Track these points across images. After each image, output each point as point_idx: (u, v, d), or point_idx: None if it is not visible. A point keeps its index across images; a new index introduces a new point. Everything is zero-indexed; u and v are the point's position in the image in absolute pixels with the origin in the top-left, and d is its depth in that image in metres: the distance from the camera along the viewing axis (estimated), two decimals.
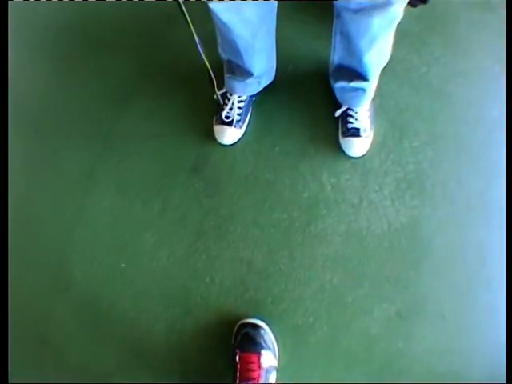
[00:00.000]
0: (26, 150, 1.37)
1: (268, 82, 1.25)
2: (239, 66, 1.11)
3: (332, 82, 1.21)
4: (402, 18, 0.83)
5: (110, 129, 1.32)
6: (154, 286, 1.16)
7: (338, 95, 1.21)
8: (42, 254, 1.24)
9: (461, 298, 1.09)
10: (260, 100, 1.28)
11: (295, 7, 1.38)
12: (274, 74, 1.25)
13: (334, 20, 1.03)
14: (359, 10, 0.86)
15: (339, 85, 1.17)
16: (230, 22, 0.90)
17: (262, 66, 1.15)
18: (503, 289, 0.99)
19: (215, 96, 1.22)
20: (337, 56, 1.12)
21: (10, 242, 1.10)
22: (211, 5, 0.82)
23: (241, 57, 1.05)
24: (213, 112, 1.26)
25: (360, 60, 1.01)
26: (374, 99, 1.20)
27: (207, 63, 0.95)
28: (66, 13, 1.56)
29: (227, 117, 1.21)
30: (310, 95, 1.27)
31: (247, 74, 1.13)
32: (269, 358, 1.00)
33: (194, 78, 1.31)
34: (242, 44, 1.00)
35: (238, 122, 1.21)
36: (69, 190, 1.29)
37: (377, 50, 0.99)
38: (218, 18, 0.88)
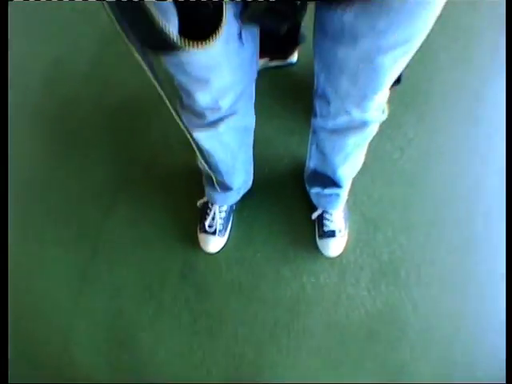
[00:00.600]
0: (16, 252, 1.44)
1: (247, 190, 1.30)
2: (219, 180, 1.16)
3: (307, 187, 1.26)
4: None
5: (97, 234, 1.37)
6: (156, 376, 1.29)
7: (314, 199, 1.27)
8: (42, 351, 1.35)
9: (445, 369, 1.22)
10: (240, 207, 1.34)
11: (268, 102, 1.40)
12: (251, 181, 1.30)
13: (311, 134, 1.07)
14: (335, 131, 0.91)
15: (314, 190, 1.23)
16: (212, 148, 0.93)
17: (241, 179, 1.20)
18: None
19: (198, 204, 1.28)
20: (312, 163, 1.17)
21: None
22: (195, 134, 0.83)
23: (221, 175, 1.10)
24: (196, 216, 1.33)
25: (334, 171, 1.08)
26: (347, 199, 1.26)
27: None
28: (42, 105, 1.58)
29: (210, 226, 1.28)
30: (288, 198, 1.33)
31: (227, 188, 1.19)
32: None
33: (175, 180, 1.36)
34: (222, 167, 1.05)
35: (220, 231, 1.28)
36: (62, 292, 1.37)
37: (351, 163, 1.05)
38: (200, 145, 0.90)
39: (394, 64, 0.64)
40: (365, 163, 1.09)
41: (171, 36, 0.40)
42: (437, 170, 1.38)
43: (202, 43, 0.44)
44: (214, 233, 1.28)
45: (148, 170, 1.42)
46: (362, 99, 0.75)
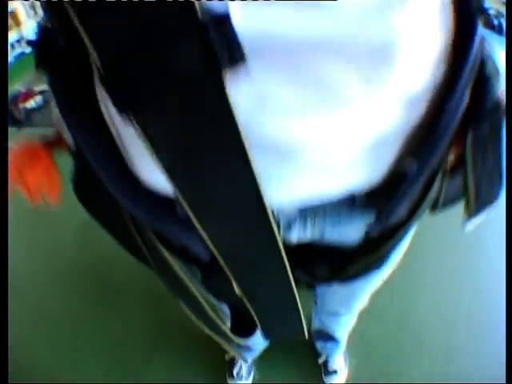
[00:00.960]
0: None
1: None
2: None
3: (313, 339, 1.59)
4: None
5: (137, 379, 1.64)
6: None
7: (318, 349, 1.60)
8: None
9: None
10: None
11: None
12: None
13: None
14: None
15: (317, 343, 1.57)
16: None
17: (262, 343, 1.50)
18: None
19: (226, 357, 1.60)
20: (314, 324, 1.49)
21: None
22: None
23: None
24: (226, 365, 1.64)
25: (333, 333, 1.42)
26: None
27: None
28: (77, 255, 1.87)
29: (237, 373, 1.59)
30: (300, 344, 1.65)
31: (250, 351, 1.48)
32: None
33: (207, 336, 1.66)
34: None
35: (245, 377, 1.60)
36: None
37: (346, 326, 1.37)
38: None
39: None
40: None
41: (226, 331, 0.67)
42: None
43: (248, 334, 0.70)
44: (240, 378, 1.59)
45: (182, 325, 1.70)
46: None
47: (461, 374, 1.52)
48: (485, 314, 1.69)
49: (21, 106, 4.84)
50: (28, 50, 13.73)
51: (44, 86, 5.14)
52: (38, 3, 15.82)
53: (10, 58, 13.59)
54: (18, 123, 4.71)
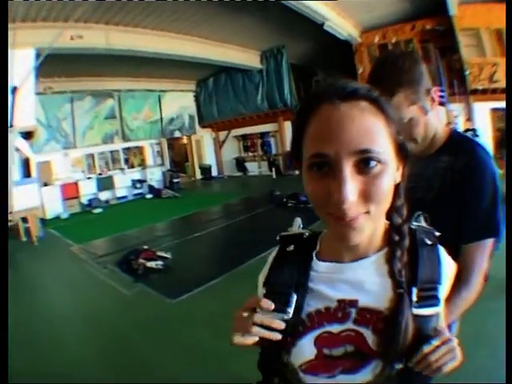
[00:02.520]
0: None
1: None
2: None
3: None
4: None
5: None
6: None
7: None
8: None
9: None
10: None
11: None
12: None
13: None
14: None
15: None
16: None
17: None
18: None
19: None
20: None
21: None
22: None
23: None
24: None
25: None
26: None
27: None
28: None
29: None
30: None
31: None
32: None
33: None
34: None
35: None
36: None
37: None
38: None
39: None
40: None
41: None
42: None
43: None
44: None
45: None
46: None
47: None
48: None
49: (141, 261, 5.33)
50: (148, 195, 14.72)
51: (167, 254, 5.59)
52: (165, 154, 16.80)
53: (130, 195, 14.63)
54: (135, 275, 5.18)
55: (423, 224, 0.78)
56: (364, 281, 0.70)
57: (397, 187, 0.69)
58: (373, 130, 0.61)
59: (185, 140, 17.90)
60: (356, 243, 0.65)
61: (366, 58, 11.76)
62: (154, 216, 9.69)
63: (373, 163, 0.61)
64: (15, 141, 8.12)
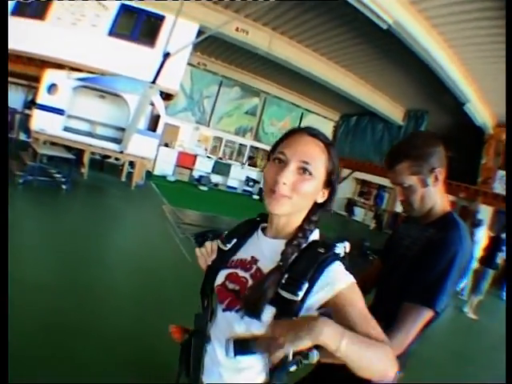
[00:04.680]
0: None
1: None
2: None
3: None
4: None
5: None
6: None
7: None
8: None
9: None
10: None
11: None
12: None
13: None
14: None
15: None
16: None
17: None
18: None
19: None
20: None
21: None
22: None
23: None
24: None
25: None
26: None
27: None
28: None
29: None
30: None
31: None
32: None
33: None
34: None
35: None
36: None
37: None
38: None
39: None
40: None
41: None
42: None
43: None
44: None
45: None
46: None
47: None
48: None
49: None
50: (256, 196, 15.52)
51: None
52: None
53: (239, 189, 15.82)
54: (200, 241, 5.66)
55: (340, 247, 0.96)
56: (268, 251, 1.01)
57: (316, 206, 1.02)
58: (315, 155, 0.96)
59: None
60: (275, 212, 0.96)
61: (492, 152, 11.31)
62: (251, 214, 9.99)
63: (306, 172, 0.94)
64: (153, 96, 9.07)
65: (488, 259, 6.48)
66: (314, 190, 0.97)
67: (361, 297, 0.90)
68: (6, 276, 1.07)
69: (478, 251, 6.60)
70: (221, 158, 15.04)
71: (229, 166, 15.04)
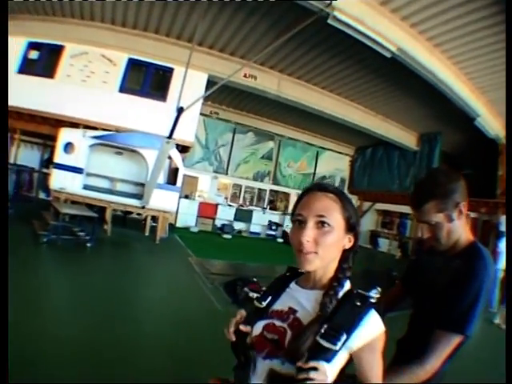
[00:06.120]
0: None
1: None
2: None
3: None
4: None
5: None
6: None
7: None
8: None
9: None
10: None
11: None
12: None
13: None
14: None
15: None
16: None
17: None
18: None
19: None
20: None
21: None
22: None
23: None
24: None
25: None
26: None
27: None
28: None
29: None
30: None
31: None
32: None
33: None
34: None
35: None
36: None
37: None
38: None
39: None
40: None
41: None
42: None
43: None
44: None
45: None
46: None
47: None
48: None
49: (246, 289, 5.59)
50: (280, 239, 15.18)
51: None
52: None
53: (262, 233, 15.37)
54: (235, 298, 5.51)
55: (372, 293, 1.00)
56: (306, 301, 1.06)
57: (346, 253, 1.09)
58: (328, 207, 1.04)
59: None
60: (307, 269, 1.04)
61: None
62: (276, 258, 9.53)
63: (325, 225, 1.02)
64: (170, 150, 9.26)
65: None
66: (336, 239, 1.03)
67: (382, 345, 0.98)
68: (6, 276, 1.04)
69: (503, 262, 6.26)
70: (242, 205, 15.05)
71: (250, 212, 15.00)
